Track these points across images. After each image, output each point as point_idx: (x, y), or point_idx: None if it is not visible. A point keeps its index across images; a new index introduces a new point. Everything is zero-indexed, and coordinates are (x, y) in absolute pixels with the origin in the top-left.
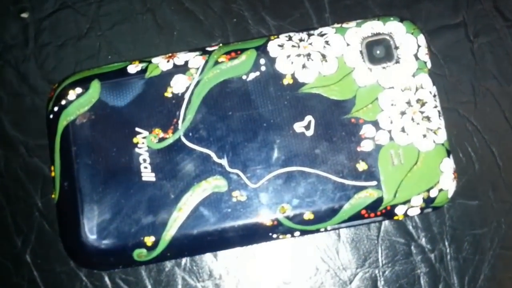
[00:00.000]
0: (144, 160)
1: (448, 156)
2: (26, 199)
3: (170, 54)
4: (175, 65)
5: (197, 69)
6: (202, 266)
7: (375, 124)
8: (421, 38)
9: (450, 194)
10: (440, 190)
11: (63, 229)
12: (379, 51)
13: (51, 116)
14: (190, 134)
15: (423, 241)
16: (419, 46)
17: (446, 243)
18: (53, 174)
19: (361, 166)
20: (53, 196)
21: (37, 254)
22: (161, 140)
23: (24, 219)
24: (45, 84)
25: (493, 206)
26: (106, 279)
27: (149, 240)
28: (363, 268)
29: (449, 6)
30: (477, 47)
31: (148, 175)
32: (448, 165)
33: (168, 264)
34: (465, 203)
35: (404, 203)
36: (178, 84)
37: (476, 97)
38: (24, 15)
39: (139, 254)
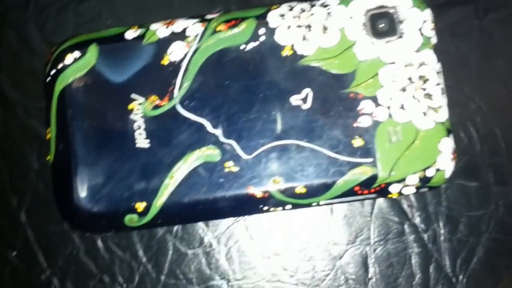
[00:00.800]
0: (139, 127)
1: (448, 135)
2: (23, 160)
3: (168, 21)
4: (173, 32)
5: (196, 36)
6: (193, 234)
7: (374, 99)
8: (428, 13)
9: (447, 175)
10: (437, 170)
11: (57, 191)
12: (383, 25)
13: (48, 79)
14: (186, 102)
15: (417, 220)
16: (424, 21)
17: (441, 224)
18: (49, 136)
19: (358, 142)
20: (48, 158)
21: (32, 214)
22: (156, 107)
23: (21, 179)
24: (45, 46)
25: (493, 188)
26: (99, 242)
27: (140, 206)
28: (354, 245)
29: None
30: (486, 23)
31: (142, 141)
32: (448, 144)
33: (160, 231)
34: (463, 184)
35: (399, 181)
36: (175, 51)
37: (483, 76)
38: None
39: (130, 219)
